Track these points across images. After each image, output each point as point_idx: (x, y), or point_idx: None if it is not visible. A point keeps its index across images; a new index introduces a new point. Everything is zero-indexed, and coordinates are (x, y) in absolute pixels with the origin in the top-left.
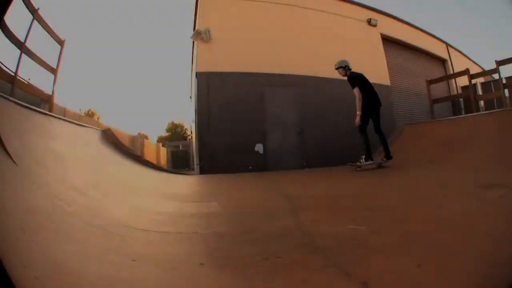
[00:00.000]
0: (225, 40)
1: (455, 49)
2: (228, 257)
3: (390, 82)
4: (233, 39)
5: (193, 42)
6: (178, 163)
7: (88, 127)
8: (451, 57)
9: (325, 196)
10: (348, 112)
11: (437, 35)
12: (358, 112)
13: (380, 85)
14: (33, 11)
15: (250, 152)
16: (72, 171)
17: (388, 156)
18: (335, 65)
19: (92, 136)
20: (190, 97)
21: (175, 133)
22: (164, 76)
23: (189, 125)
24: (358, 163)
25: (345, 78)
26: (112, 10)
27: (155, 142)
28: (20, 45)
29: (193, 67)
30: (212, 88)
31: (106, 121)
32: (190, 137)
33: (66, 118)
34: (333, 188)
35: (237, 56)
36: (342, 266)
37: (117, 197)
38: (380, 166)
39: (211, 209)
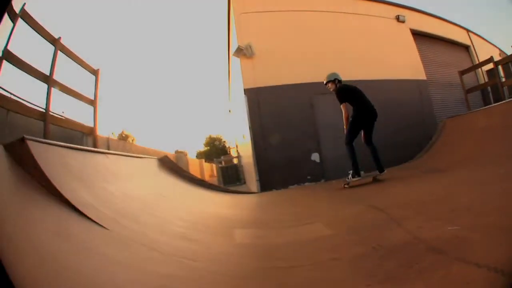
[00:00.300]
0: (266, 53)
1: (475, 33)
2: (387, 276)
3: (426, 76)
4: (273, 51)
5: (228, 56)
6: (228, 178)
7: (144, 157)
8: (473, 43)
9: (407, 203)
10: (396, 111)
11: (457, 22)
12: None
13: (417, 81)
14: (59, 45)
15: (306, 162)
16: (149, 209)
17: (380, 170)
18: (324, 80)
19: (151, 166)
20: (229, 110)
21: (214, 147)
22: (197, 92)
23: (232, 138)
24: (346, 179)
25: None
26: (138, 30)
27: (196, 158)
28: (47, 79)
29: (231, 81)
30: (262, 103)
31: (141, 142)
32: (235, 150)
33: (123, 153)
34: (408, 194)
35: (280, 69)
36: (467, 259)
37: (217, 234)
38: (375, 180)
39: (323, 231)
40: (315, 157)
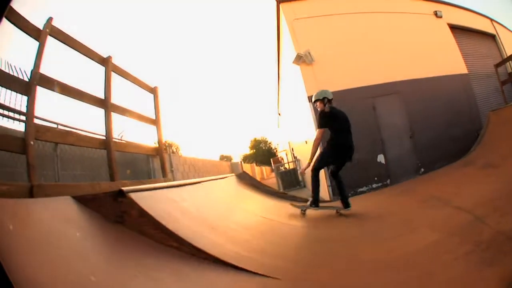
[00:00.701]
0: (324, 58)
1: (497, 22)
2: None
3: (468, 70)
4: (330, 56)
5: (278, 62)
6: (288, 182)
7: (224, 177)
8: (498, 32)
9: (483, 203)
10: (443, 108)
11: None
12: (308, 161)
13: (460, 75)
14: (110, 65)
15: (373, 164)
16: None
17: (346, 205)
18: (313, 97)
19: (232, 184)
20: (279, 113)
21: (259, 149)
22: (239, 95)
23: (284, 141)
24: (304, 205)
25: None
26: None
27: (247, 163)
28: (103, 103)
29: (280, 86)
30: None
31: (185, 152)
32: (286, 153)
33: (209, 178)
34: (480, 194)
35: (339, 73)
36: None
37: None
38: (338, 213)
39: (428, 238)
40: (381, 158)
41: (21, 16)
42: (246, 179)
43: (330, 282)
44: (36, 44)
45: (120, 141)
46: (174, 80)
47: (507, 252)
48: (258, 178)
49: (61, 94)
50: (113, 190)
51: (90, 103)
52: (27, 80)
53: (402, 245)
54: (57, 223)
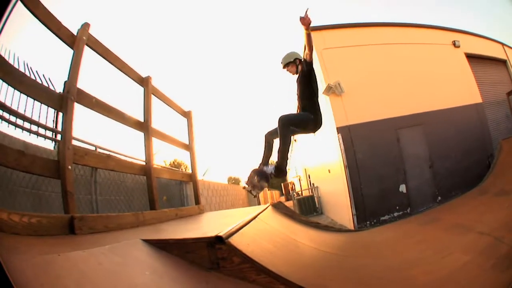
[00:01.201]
0: (353, 89)
1: (508, 46)
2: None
3: (482, 99)
4: (358, 87)
5: None
6: (305, 209)
7: (265, 208)
8: (508, 56)
9: (499, 227)
10: (458, 138)
11: (493, 38)
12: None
13: (475, 105)
14: (150, 86)
15: (395, 193)
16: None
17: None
18: (282, 61)
19: (274, 215)
20: (295, 140)
21: None
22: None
23: (298, 167)
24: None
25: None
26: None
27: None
28: (142, 126)
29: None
30: (355, 140)
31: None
32: (298, 178)
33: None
34: (496, 219)
35: (366, 105)
36: None
37: None
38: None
39: (461, 259)
40: (402, 188)
41: (54, 17)
42: (281, 209)
43: None
44: (70, 52)
45: (157, 166)
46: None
47: None
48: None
49: (99, 113)
50: (207, 236)
51: (129, 126)
52: (60, 92)
53: (443, 267)
54: (140, 277)
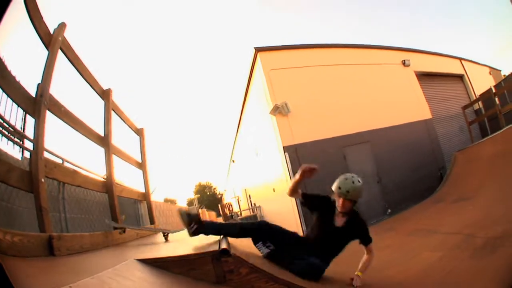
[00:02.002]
0: (299, 109)
1: (466, 60)
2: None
3: (431, 114)
4: (304, 107)
5: (242, 109)
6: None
7: None
8: (466, 70)
9: (468, 225)
10: (409, 152)
11: (451, 54)
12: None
13: (425, 121)
14: (110, 101)
15: None
16: None
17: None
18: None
19: None
20: (233, 160)
21: (204, 194)
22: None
23: (236, 187)
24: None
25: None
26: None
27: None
28: (103, 141)
29: (239, 132)
30: (302, 159)
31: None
32: (236, 199)
33: None
34: (462, 220)
35: (311, 124)
36: None
37: None
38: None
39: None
40: None
41: (39, 10)
42: None
43: None
44: (45, 53)
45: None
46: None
47: (498, 245)
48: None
49: (66, 123)
50: (211, 250)
51: (92, 140)
52: (33, 96)
53: (416, 265)
54: None
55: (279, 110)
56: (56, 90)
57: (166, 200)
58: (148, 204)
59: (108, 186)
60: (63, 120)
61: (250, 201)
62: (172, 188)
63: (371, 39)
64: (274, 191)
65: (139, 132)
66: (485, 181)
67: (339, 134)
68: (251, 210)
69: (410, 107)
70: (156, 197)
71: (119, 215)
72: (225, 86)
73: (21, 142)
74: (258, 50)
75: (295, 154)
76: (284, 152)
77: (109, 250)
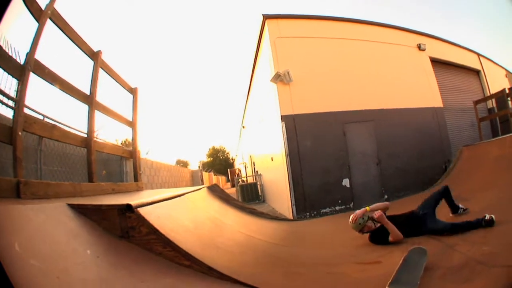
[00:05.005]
0: (302, 80)
1: (484, 57)
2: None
3: (443, 103)
4: (308, 78)
5: (252, 75)
6: (248, 196)
7: (199, 189)
8: (483, 67)
9: None
10: (416, 138)
11: (469, 47)
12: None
13: (435, 108)
14: (99, 60)
15: (338, 187)
16: None
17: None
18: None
19: (208, 197)
20: (243, 126)
21: (217, 158)
22: (200, 102)
23: (244, 153)
24: None
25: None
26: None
27: (205, 171)
28: (88, 100)
29: (249, 98)
30: (299, 130)
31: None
32: (244, 165)
33: (190, 190)
34: None
35: (315, 96)
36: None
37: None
38: None
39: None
40: (346, 182)
41: None
42: (217, 192)
43: None
44: (35, 25)
45: (99, 140)
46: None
47: (478, 271)
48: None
49: (50, 84)
50: (119, 204)
51: (76, 98)
52: (21, 63)
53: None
54: (57, 235)
55: (280, 78)
56: (44, 54)
57: (178, 162)
58: (134, 162)
59: (87, 141)
60: (47, 81)
61: (254, 168)
62: (186, 151)
63: (388, 20)
64: (272, 160)
65: (132, 91)
66: (486, 184)
67: (341, 109)
68: (254, 177)
69: (421, 92)
70: (162, 159)
71: (95, 169)
72: (239, 52)
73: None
74: (267, 17)
75: (293, 124)
76: (282, 121)
77: (69, 199)
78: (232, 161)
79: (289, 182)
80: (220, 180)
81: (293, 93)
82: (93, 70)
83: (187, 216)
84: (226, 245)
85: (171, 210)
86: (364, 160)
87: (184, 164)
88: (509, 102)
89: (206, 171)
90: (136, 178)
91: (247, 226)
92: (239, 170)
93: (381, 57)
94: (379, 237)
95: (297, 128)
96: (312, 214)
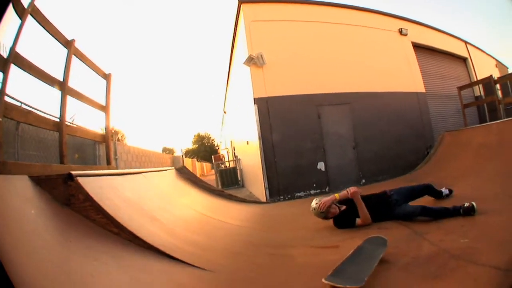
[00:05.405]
0: (276, 63)
1: (472, 45)
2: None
3: (425, 89)
4: (282, 61)
5: (230, 60)
6: (227, 180)
7: (164, 170)
8: (471, 55)
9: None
10: (397, 122)
11: (456, 34)
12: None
13: (417, 93)
14: (73, 48)
15: (313, 170)
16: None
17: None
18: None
19: (172, 177)
20: (224, 111)
21: (202, 145)
22: (185, 89)
23: (227, 138)
24: None
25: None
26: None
27: (189, 158)
28: (61, 86)
29: (229, 85)
30: (272, 113)
31: (130, 141)
32: (227, 151)
33: (152, 170)
34: None
35: (288, 79)
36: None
37: None
38: None
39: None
40: (321, 165)
41: None
42: (185, 174)
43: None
44: (18, 22)
45: (71, 124)
46: (126, 68)
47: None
48: (198, 174)
49: (27, 72)
50: (63, 173)
51: (49, 84)
52: (5, 57)
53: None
54: (14, 201)
55: (253, 61)
56: (25, 47)
57: (164, 150)
58: (106, 145)
59: (59, 125)
60: (26, 71)
61: (234, 153)
62: (172, 138)
63: (374, 6)
64: (247, 144)
65: (106, 77)
66: (467, 171)
67: (315, 92)
68: (234, 162)
69: (402, 76)
70: (153, 147)
71: (66, 151)
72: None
73: None
74: (242, 1)
75: (266, 106)
76: (254, 104)
77: None
78: (217, 148)
79: (262, 165)
80: (205, 167)
81: (266, 76)
82: (66, 58)
83: (137, 194)
84: (169, 221)
85: (119, 184)
86: (339, 143)
87: (170, 152)
88: (498, 87)
89: (189, 158)
90: (108, 162)
91: (208, 207)
92: (223, 156)
93: (360, 41)
94: (344, 220)
95: (270, 110)
96: (286, 198)
